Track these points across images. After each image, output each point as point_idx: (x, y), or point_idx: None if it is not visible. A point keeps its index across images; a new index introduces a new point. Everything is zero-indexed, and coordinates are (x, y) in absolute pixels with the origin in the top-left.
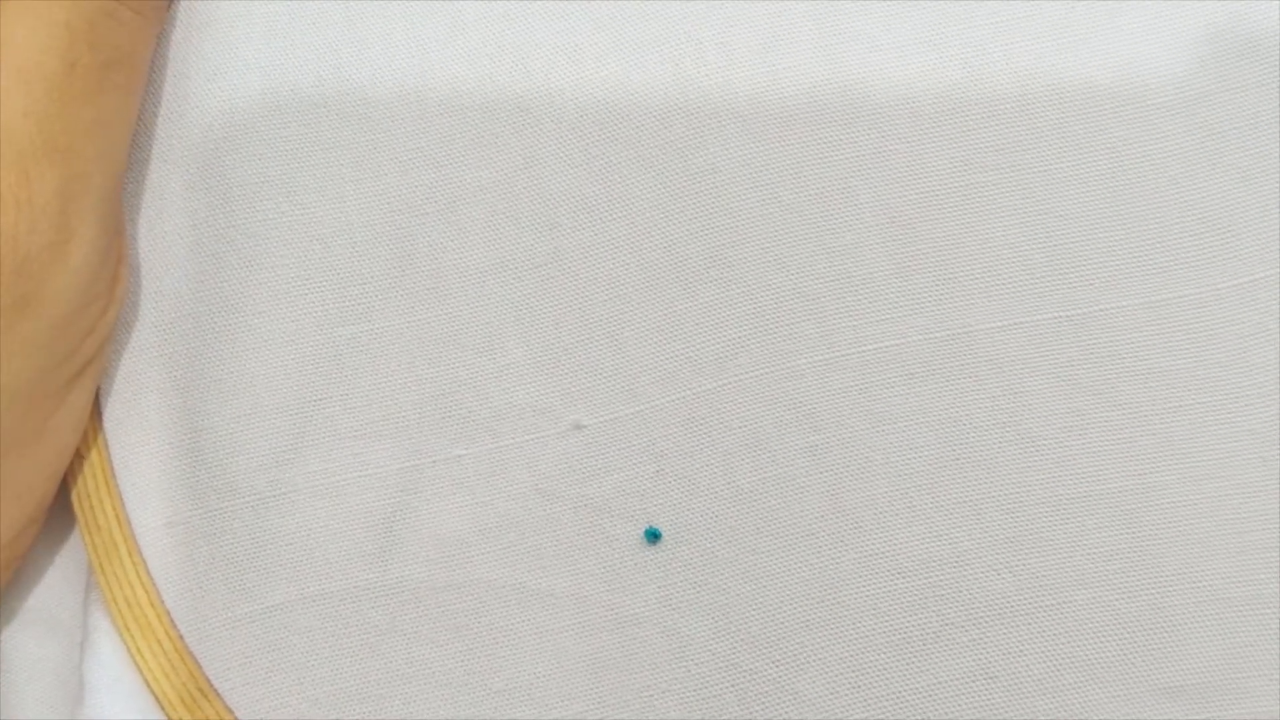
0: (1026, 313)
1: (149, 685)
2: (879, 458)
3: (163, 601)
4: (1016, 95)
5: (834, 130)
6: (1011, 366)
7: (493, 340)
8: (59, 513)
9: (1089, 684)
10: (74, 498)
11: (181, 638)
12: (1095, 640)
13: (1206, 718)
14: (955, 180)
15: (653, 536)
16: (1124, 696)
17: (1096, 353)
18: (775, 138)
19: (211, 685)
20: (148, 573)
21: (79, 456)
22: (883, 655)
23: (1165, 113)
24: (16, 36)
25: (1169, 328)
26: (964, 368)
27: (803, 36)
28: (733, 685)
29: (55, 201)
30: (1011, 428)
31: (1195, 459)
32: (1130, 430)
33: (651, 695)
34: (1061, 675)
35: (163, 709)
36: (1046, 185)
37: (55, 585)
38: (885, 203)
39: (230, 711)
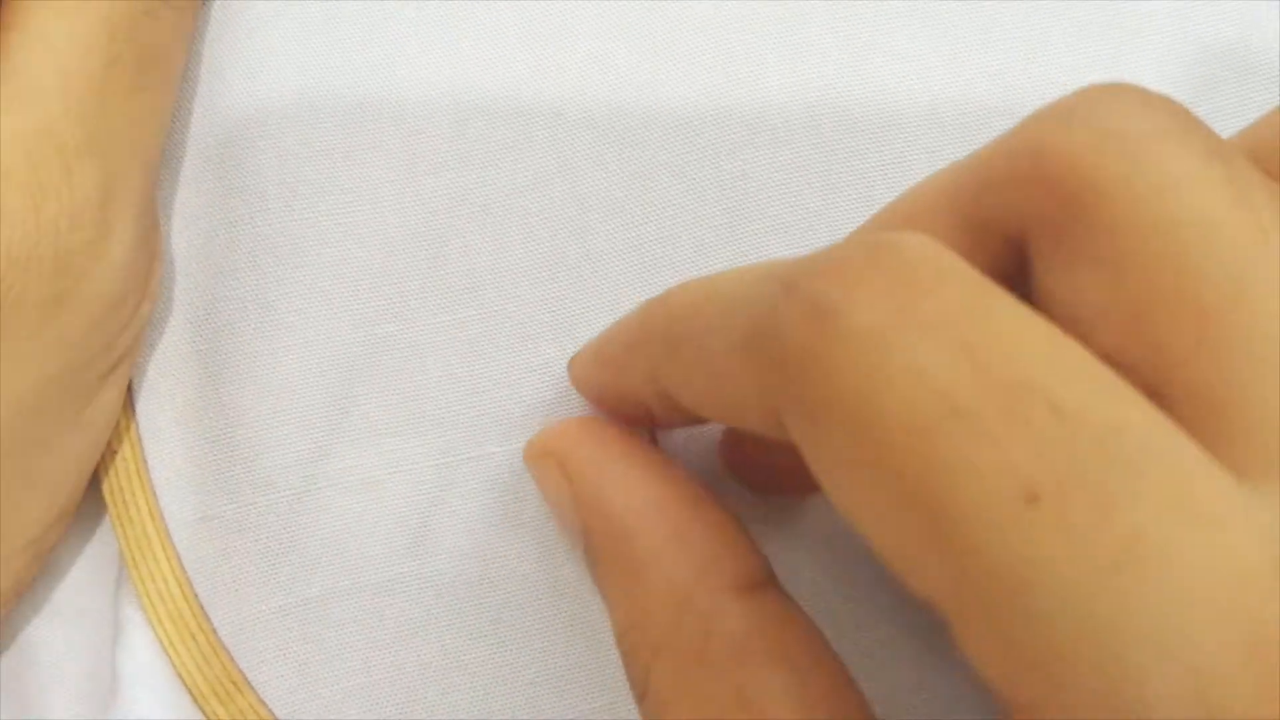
0: None
1: (182, 678)
2: None
3: (196, 595)
4: (1037, 105)
5: (859, 139)
6: None
7: (526, 339)
8: (87, 506)
9: None
10: (105, 490)
11: (215, 631)
12: None
13: None
14: None
15: None
16: None
17: None
18: (803, 146)
19: (245, 678)
20: (181, 566)
21: (110, 450)
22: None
23: None
24: (57, 34)
25: None
26: None
27: (828, 48)
28: None
29: (95, 197)
30: None
31: None
32: None
33: None
34: None
35: (196, 702)
36: None
37: (84, 578)
38: None
39: (264, 704)
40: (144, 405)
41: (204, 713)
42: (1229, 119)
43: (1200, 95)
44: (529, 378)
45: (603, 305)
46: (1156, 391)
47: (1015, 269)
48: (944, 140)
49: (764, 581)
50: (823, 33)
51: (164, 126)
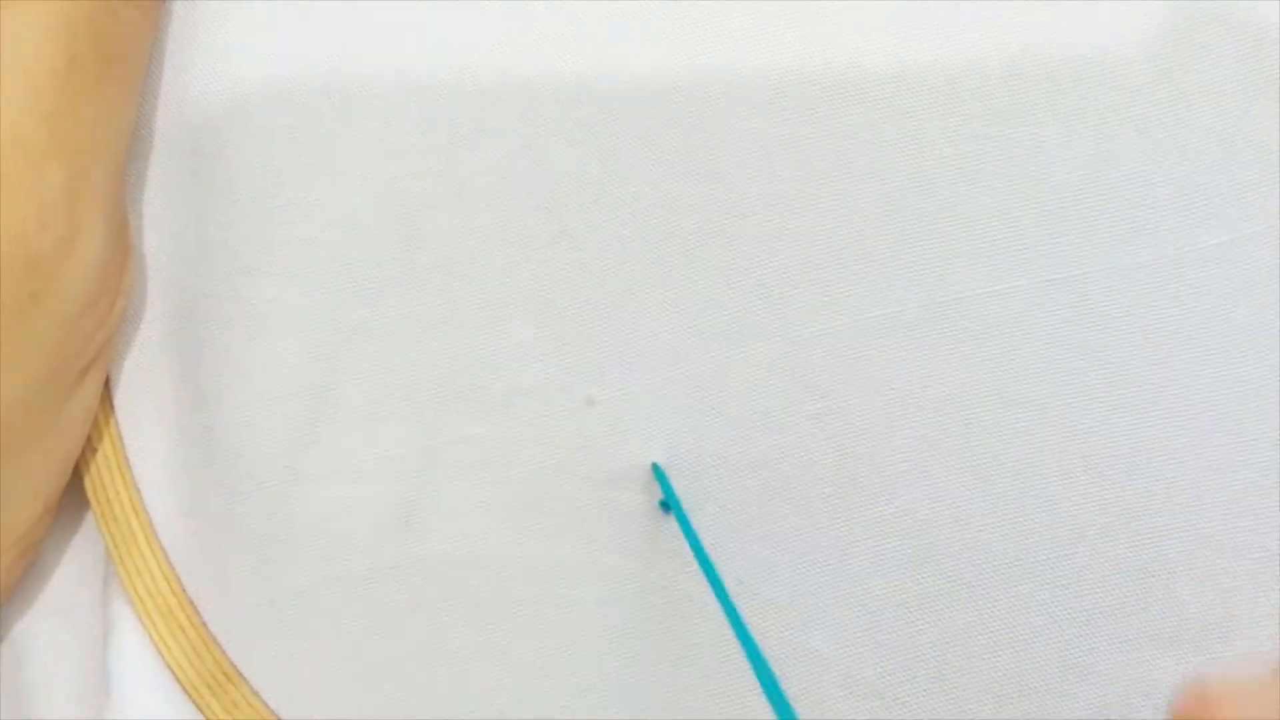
0: (1019, 277)
1: (173, 672)
2: (883, 423)
3: (184, 589)
4: (1004, 68)
5: (827, 106)
6: (1007, 330)
7: (502, 320)
8: (72, 505)
9: (1089, 634)
10: (88, 488)
11: (205, 624)
12: (1094, 591)
13: (1201, 659)
14: (946, 151)
15: (668, 507)
16: (1123, 643)
17: (1087, 313)
18: (772, 114)
19: (237, 669)
20: (167, 561)
21: (91, 448)
22: (892, 613)
23: (1146, 81)
24: (19, 34)
25: (1155, 287)
26: (962, 332)
27: (793, 15)
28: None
29: (63, 197)
30: (1009, 389)
31: (1184, 410)
32: (1122, 387)
33: (670, 661)
34: (1062, 627)
35: (188, 694)
36: (1034, 154)
37: (72, 577)
38: (880, 175)
39: (256, 694)
40: (123, 400)
41: (197, 705)
42: (1176, 72)
43: (1155, 49)
44: (507, 358)
45: (576, 281)
46: None
47: None
48: (914, 103)
49: None
50: (788, 2)
51: (130, 123)
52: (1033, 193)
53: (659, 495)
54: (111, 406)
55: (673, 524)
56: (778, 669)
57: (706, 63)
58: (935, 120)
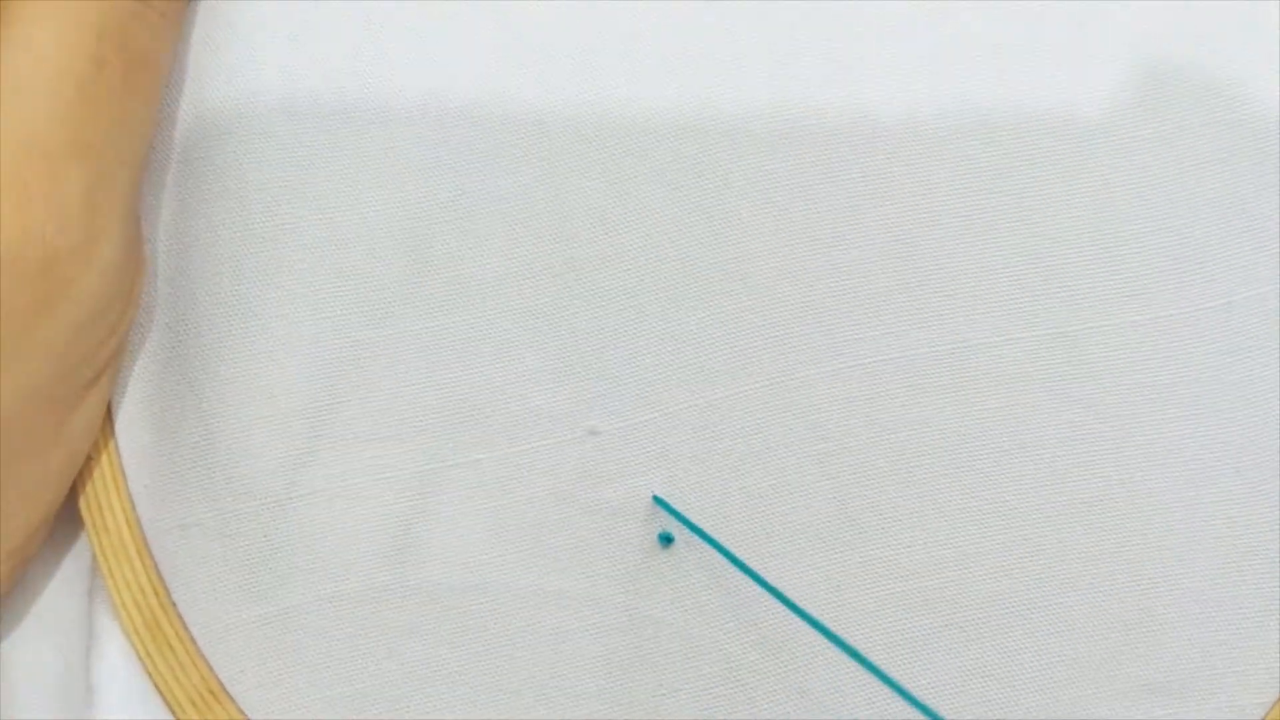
0: (1022, 329)
1: (158, 688)
2: (884, 465)
3: (173, 603)
4: (1012, 124)
5: (842, 151)
6: (1008, 380)
7: (509, 347)
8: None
9: (1078, 681)
10: (81, 500)
11: (193, 639)
12: (1084, 640)
13: (1190, 711)
14: (956, 202)
15: (666, 540)
16: (1110, 693)
17: (1086, 368)
18: (786, 157)
19: (224, 687)
20: (157, 574)
21: (87, 458)
22: (886, 654)
23: (1148, 144)
24: (45, 38)
25: (1152, 345)
26: (965, 380)
27: (811, 62)
28: (741, 685)
29: (82, 202)
30: (1009, 438)
31: (1176, 468)
32: (1117, 441)
33: (663, 695)
34: (1052, 673)
35: (171, 711)
36: (1039, 209)
37: (57, 589)
38: (890, 221)
39: (243, 714)
40: (120, 410)
41: None
42: (1176, 138)
43: (1156, 114)
44: (512, 385)
45: (585, 313)
46: None
47: None
48: (923, 152)
49: None
50: (805, 45)
51: (150, 130)
52: (1035, 246)
53: (658, 528)
54: (109, 415)
55: (670, 557)
56: (771, 707)
57: (722, 103)
58: (945, 172)
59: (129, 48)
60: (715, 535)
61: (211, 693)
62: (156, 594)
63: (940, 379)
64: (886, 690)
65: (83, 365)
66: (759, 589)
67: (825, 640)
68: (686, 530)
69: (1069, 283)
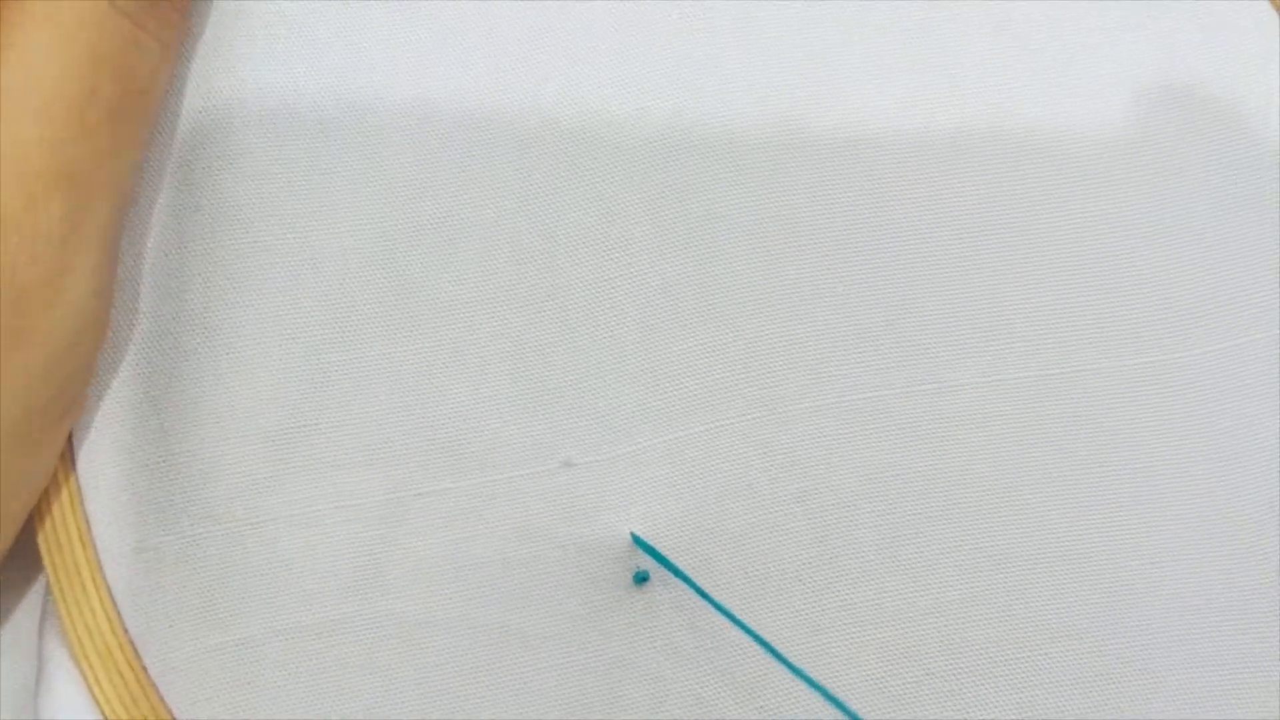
0: (1006, 371)
1: (106, 717)
2: (866, 506)
3: (126, 630)
4: (1004, 162)
5: (828, 188)
6: (992, 422)
7: (484, 374)
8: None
9: None
10: (36, 518)
11: (145, 669)
12: (1067, 692)
13: None
14: (943, 241)
15: (642, 579)
16: None
17: (1071, 413)
18: (771, 191)
19: (174, 719)
20: (111, 600)
21: None
22: (864, 702)
23: (1134, 188)
24: (39, 62)
25: (1136, 392)
26: (949, 421)
27: (797, 92)
28: None
29: (59, 230)
30: (992, 482)
31: (1163, 517)
32: (1102, 488)
33: None
34: None
35: None
36: (1026, 252)
37: (9, 612)
38: (877, 257)
39: None
40: (80, 429)
41: None
42: (1172, 179)
43: (1154, 155)
44: (485, 412)
45: (563, 341)
46: None
47: None
48: (905, 179)
49: None
50: (788, 71)
51: (138, 163)
52: (1024, 287)
53: (631, 565)
54: (69, 433)
55: (643, 596)
56: None
57: (705, 129)
58: (932, 210)
59: (124, 76)
60: (691, 574)
61: None
62: (110, 620)
63: (924, 419)
64: None
65: (56, 399)
66: (734, 630)
67: (802, 684)
68: (661, 569)
69: (1055, 325)
